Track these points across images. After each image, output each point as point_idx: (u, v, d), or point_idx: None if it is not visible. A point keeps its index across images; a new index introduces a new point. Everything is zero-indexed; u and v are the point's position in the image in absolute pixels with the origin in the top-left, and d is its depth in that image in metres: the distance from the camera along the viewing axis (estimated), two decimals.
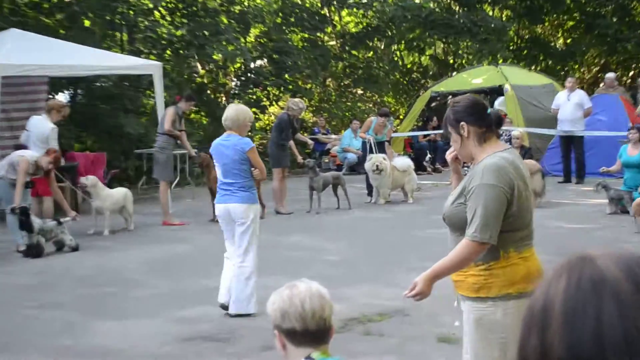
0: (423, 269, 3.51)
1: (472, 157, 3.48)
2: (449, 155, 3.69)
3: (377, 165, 12.60)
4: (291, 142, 12.38)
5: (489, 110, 3.55)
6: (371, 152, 13.18)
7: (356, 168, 17.07)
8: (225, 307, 6.64)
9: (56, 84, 14.45)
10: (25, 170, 9.34)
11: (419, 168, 16.63)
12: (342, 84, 23.40)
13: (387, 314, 6.50)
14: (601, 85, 17.92)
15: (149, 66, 12.96)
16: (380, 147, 13.41)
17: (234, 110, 6.67)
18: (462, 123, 3.45)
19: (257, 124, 19.19)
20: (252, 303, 6.59)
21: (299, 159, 12.63)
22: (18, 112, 12.19)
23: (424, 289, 3.38)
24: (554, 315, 1.02)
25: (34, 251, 9.11)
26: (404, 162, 13.38)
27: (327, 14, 22.73)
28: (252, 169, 6.62)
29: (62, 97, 15.62)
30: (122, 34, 17.78)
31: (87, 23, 16.66)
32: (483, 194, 3.30)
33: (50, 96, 13.46)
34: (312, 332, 2.49)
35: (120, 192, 10.92)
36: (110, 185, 12.89)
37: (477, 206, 3.31)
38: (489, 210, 3.28)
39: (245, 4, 19.69)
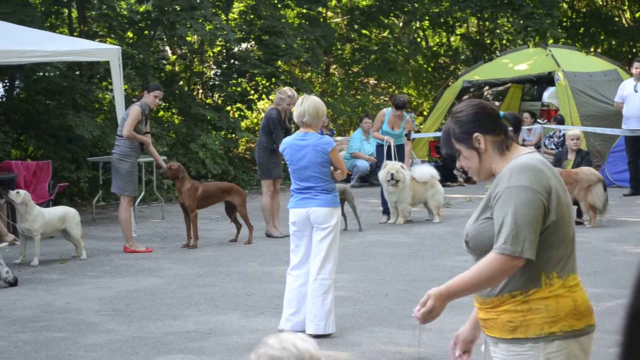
0: (451, 308, 3.53)
1: (494, 173, 3.57)
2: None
3: (392, 174, 12.58)
4: None
5: (502, 113, 3.67)
6: (389, 157, 13.11)
7: (368, 179, 17.14)
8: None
9: None
10: None
11: (449, 178, 16.68)
12: (350, 71, 23.50)
13: None
14: None
15: (105, 51, 13.03)
16: (401, 151, 13.31)
17: (312, 105, 7.33)
18: (475, 134, 3.54)
19: (242, 123, 19.30)
20: (330, 322, 7.26)
21: None
22: None
23: (436, 306, 3.45)
24: None
25: None
26: (424, 171, 13.36)
27: None
28: (332, 169, 7.42)
29: None
30: (70, 11, 17.90)
31: None
32: (512, 198, 3.36)
33: None
34: None
35: (57, 212, 10.91)
36: (57, 202, 12.96)
37: (505, 214, 3.36)
38: (521, 217, 3.34)
39: None
